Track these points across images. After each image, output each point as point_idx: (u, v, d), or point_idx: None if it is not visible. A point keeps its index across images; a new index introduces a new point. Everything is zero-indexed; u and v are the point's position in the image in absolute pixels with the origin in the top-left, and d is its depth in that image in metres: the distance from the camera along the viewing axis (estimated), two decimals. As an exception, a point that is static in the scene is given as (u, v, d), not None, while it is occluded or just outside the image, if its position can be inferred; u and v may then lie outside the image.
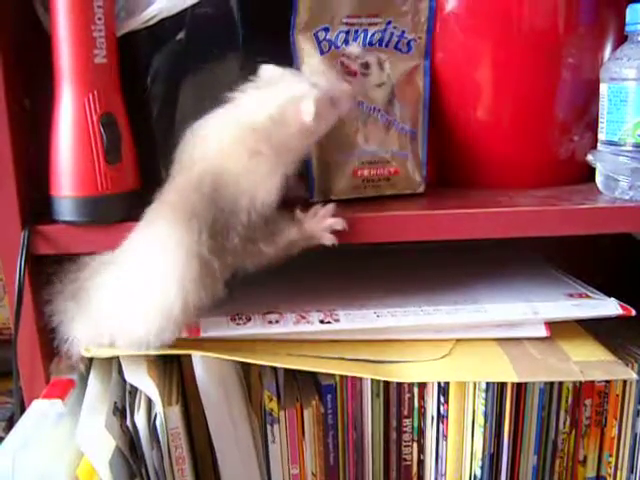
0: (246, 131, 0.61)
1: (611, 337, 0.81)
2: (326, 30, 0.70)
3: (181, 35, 0.70)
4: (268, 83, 0.63)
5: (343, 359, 0.69)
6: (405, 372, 0.68)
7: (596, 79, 0.73)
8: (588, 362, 0.70)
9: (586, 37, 0.74)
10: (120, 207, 0.66)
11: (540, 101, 0.76)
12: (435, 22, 0.74)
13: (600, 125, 0.73)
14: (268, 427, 0.70)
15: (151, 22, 0.66)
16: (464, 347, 0.72)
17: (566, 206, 0.69)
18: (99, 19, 0.62)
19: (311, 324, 0.68)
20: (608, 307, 0.73)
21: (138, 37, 0.68)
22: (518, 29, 0.73)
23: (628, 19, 0.71)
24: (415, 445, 0.74)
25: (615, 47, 0.74)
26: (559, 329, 0.74)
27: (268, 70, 0.64)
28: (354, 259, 0.76)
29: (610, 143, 0.72)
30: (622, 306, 0.73)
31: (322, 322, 0.69)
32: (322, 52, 0.70)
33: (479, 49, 0.74)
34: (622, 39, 0.73)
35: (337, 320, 0.69)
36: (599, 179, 0.74)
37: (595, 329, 0.76)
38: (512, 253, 0.87)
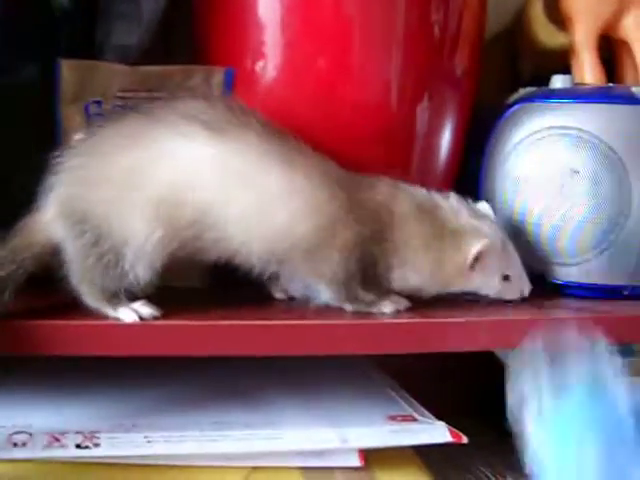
0: None
1: (462, 455, 0.73)
2: (98, 103, 0.61)
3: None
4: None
5: (107, 489, 0.58)
6: (183, 507, 0.58)
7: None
8: (404, 500, 0.60)
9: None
10: None
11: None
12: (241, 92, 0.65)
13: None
14: None
15: None
16: (261, 476, 0.61)
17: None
18: None
19: (65, 448, 0.57)
20: (435, 433, 0.63)
21: None
22: (341, 107, 0.65)
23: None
24: None
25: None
26: (380, 454, 0.63)
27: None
28: (141, 370, 0.66)
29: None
30: (452, 432, 0.63)
31: (79, 447, 0.57)
32: None
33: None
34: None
35: (97, 445, 0.58)
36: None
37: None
38: (337, 359, 0.76)
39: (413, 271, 0.60)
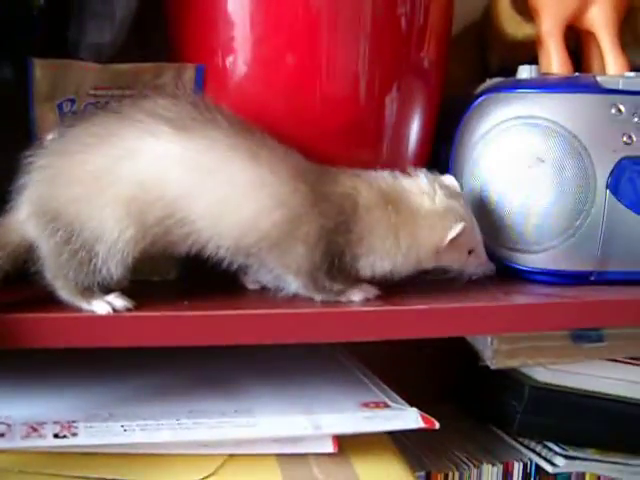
0: None
1: (438, 440, 0.74)
2: (72, 101, 0.62)
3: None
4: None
5: (87, 479, 0.59)
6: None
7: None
8: (377, 485, 0.61)
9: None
10: None
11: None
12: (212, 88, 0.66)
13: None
14: None
15: None
16: (237, 464, 0.62)
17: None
18: None
19: (43, 438, 0.58)
20: (407, 419, 0.64)
21: None
22: (311, 101, 0.66)
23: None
24: None
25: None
26: (355, 440, 0.64)
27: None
28: (117, 360, 0.67)
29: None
30: (424, 418, 0.64)
31: (57, 436, 0.58)
32: None
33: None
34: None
35: (75, 434, 0.59)
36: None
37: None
38: (311, 348, 0.77)
39: (382, 258, 0.61)
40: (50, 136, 0.62)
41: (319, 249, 0.59)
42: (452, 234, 0.61)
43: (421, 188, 0.62)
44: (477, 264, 0.64)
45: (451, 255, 0.63)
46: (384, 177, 0.62)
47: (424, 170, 0.63)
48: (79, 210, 0.55)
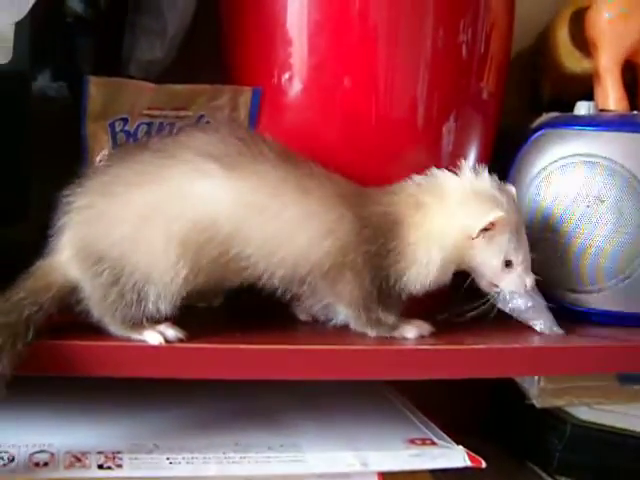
0: None
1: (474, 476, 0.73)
2: (124, 121, 0.60)
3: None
4: None
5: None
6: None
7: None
8: (420, 527, 0.60)
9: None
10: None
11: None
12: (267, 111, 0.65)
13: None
14: None
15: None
16: (281, 499, 0.61)
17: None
18: None
19: (87, 469, 0.56)
20: (454, 457, 0.63)
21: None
22: (367, 128, 0.65)
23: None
24: None
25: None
26: (398, 477, 0.63)
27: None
28: (162, 390, 0.66)
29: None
30: (471, 456, 0.63)
31: (101, 467, 0.57)
32: (116, 145, 0.61)
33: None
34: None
35: (120, 466, 0.57)
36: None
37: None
38: (357, 382, 0.76)
39: (422, 265, 0.58)
40: (101, 155, 0.61)
41: (367, 274, 0.58)
42: (486, 220, 0.57)
43: (463, 175, 0.59)
44: (516, 284, 0.60)
45: (483, 252, 0.59)
46: (421, 181, 0.60)
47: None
48: (125, 252, 0.53)
